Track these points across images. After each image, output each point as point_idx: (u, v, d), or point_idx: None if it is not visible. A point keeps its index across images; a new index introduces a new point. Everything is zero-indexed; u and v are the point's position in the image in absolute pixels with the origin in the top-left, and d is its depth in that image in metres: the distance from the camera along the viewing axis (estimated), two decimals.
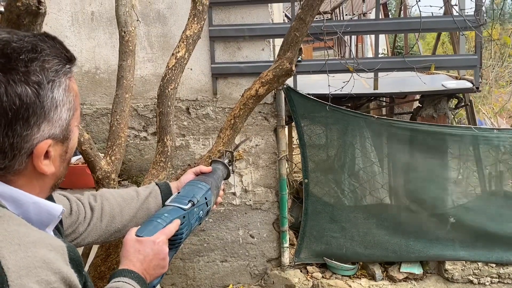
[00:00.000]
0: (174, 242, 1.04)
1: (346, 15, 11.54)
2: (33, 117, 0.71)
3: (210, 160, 1.42)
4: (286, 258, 3.67)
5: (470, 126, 3.49)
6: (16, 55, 0.69)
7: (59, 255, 0.71)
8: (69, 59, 0.78)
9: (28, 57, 0.70)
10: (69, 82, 0.78)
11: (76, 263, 0.74)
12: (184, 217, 1.07)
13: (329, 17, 12.16)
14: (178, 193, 1.18)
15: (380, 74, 3.48)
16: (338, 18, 11.10)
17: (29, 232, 0.70)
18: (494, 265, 3.43)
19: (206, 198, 1.19)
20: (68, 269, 0.71)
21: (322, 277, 3.58)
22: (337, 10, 11.73)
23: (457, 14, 3.29)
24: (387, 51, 9.40)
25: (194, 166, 2.10)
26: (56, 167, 0.79)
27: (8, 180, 0.74)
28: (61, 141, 0.78)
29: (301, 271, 3.65)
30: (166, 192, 1.27)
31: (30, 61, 0.70)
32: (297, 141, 3.66)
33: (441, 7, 3.39)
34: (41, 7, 1.05)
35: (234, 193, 3.67)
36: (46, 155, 0.75)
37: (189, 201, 1.11)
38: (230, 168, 1.41)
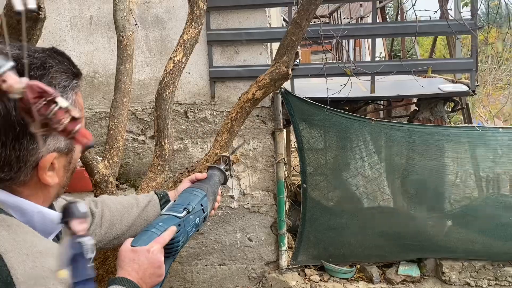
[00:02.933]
0: (170, 250, 1.05)
1: (344, 18, 11.61)
2: None
3: (207, 165, 1.43)
4: (284, 261, 3.68)
5: (474, 125, 3.50)
6: (27, 72, 0.71)
7: None
8: (76, 74, 0.80)
9: (38, 74, 0.72)
10: (76, 96, 0.80)
11: None
12: (179, 225, 1.08)
13: (327, 21, 12.23)
14: (174, 201, 1.18)
15: (377, 77, 3.51)
16: (336, 22, 11.16)
17: (36, 241, 0.72)
18: (491, 267, 3.45)
19: (202, 205, 1.20)
20: None
21: (320, 280, 3.59)
22: (335, 14, 11.79)
23: (453, 18, 3.32)
24: (385, 55, 9.44)
25: (192, 169, 2.13)
26: (59, 177, 0.81)
27: (13, 191, 0.76)
28: (65, 153, 0.80)
29: (299, 274, 3.66)
30: (164, 201, 1.28)
31: (39, 78, 0.72)
32: (295, 144, 3.67)
33: (436, 11, 3.42)
34: (41, 12, 1.07)
35: (232, 196, 3.68)
36: (51, 167, 0.77)
37: (184, 209, 1.12)
38: (227, 173, 1.41)
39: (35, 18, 1.05)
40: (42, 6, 1.06)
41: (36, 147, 0.73)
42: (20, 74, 0.68)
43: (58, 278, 0.69)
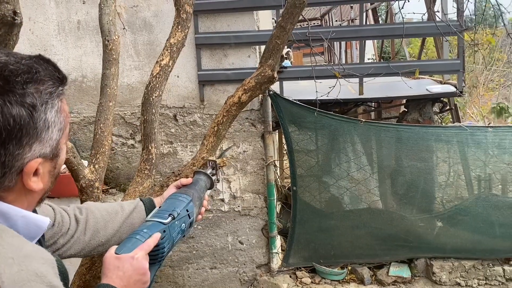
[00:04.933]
0: (156, 257, 1.04)
1: (336, 21, 11.66)
2: (26, 138, 0.74)
3: (194, 169, 1.42)
4: (275, 263, 3.68)
5: (462, 125, 3.52)
6: (14, 78, 0.72)
7: (50, 268, 0.73)
8: (61, 80, 0.81)
9: (24, 79, 0.73)
10: (61, 104, 0.81)
11: (63, 276, 0.77)
12: (164, 231, 1.07)
13: (319, 24, 12.27)
14: (159, 208, 1.18)
15: (365, 79, 3.52)
16: (328, 24, 11.21)
17: (22, 245, 0.73)
18: (481, 267, 3.46)
19: (187, 210, 1.19)
20: (58, 282, 0.73)
21: (311, 282, 3.59)
22: (326, 17, 11.84)
23: (440, 19, 3.34)
24: (376, 57, 9.49)
25: (179, 173, 2.13)
26: (44, 183, 0.81)
27: None
28: (50, 159, 0.80)
29: (290, 277, 3.66)
30: (150, 208, 1.28)
31: (26, 83, 0.73)
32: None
33: (424, 14, 3.45)
34: (16, 18, 1.06)
35: (222, 200, 3.68)
36: (35, 172, 0.78)
37: (169, 215, 1.11)
38: (214, 177, 1.41)
39: (10, 23, 1.04)
40: (18, 12, 1.06)
41: (22, 152, 0.74)
42: (6, 80, 0.70)
43: (43, 281, 0.69)
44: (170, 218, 1.11)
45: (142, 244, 1.00)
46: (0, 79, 0.71)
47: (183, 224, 1.16)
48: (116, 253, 0.97)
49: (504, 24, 3.02)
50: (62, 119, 0.81)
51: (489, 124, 6.67)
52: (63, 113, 0.81)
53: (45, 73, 0.77)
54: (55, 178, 0.86)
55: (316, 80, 3.28)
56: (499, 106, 6.54)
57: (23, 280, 0.68)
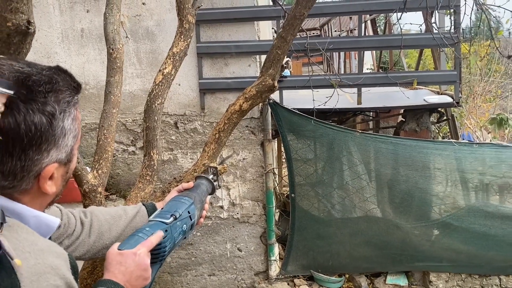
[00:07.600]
0: (157, 256, 1.07)
1: (335, 31, 11.78)
2: (45, 144, 0.78)
3: (195, 175, 1.46)
4: (274, 271, 3.70)
5: (450, 140, 3.58)
6: (37, 87, 0.77)
7: (63, 262, 0.78)
8: (77, 89, 0.86)
9: (46, 89, 0.78)
10: (76, 112, 0.86)
11: (74, 270, 0.81)
12: (166, 230, 1.10)
13: (319, 33, 12.38)
14: (161, 209, 1.21)
15: (364, 89, 3.58)
16: (327, 35, 11.32)
17: (36, 240, 0.77)
18: (477, 276, 3.49)
19: (189, 212, 1.22)
20: (70, 275, 0.78)
21: None
22: (326, 27, 11.95)
23: (437, 31, 3.41)
24: (374, 67, 9.58)
25: (180, 179, 2.16)
26: (57, 186, 0.85)
27: (13, 198, 0.81)
28: (64, 164, 0.85)
29: (288, 284, 3.68)
30: (152, 212, 1.31)
31: (47, 93, 0.78)
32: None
33: (420, 25, 3.52)
34: (30, 27, 1.11)
35: (221, 207, 3.71)
36: (51, 176, 0.82)
37: (171, 215, 1.14)
38: (216, 183, 1.44)
39: (24, 32, 1.09)
40: (32, 21, 1.10)
41: (40, 158, 0.78)
42: (30, 90, 0.75)
43: (57, 273, 0.74)
44: (172, 219, 1.13)
45: (144, 241, 1.03)
46: (24, 88, 0.76)
47: (185, 225, 1.19)
48: (119, 249, 1.00)
49: (493, 38, 3.08)
50: (77, 126, 0.86)
51: (488, 133, 6.75)
52: (77, 120, 0.86)
53: (63, 83, 0.82)
54: (66, 182, 0.90)
55: (314, 90, 3.33)
56: (499, 117, 6.60)
57: (40, 273, 0.72)
